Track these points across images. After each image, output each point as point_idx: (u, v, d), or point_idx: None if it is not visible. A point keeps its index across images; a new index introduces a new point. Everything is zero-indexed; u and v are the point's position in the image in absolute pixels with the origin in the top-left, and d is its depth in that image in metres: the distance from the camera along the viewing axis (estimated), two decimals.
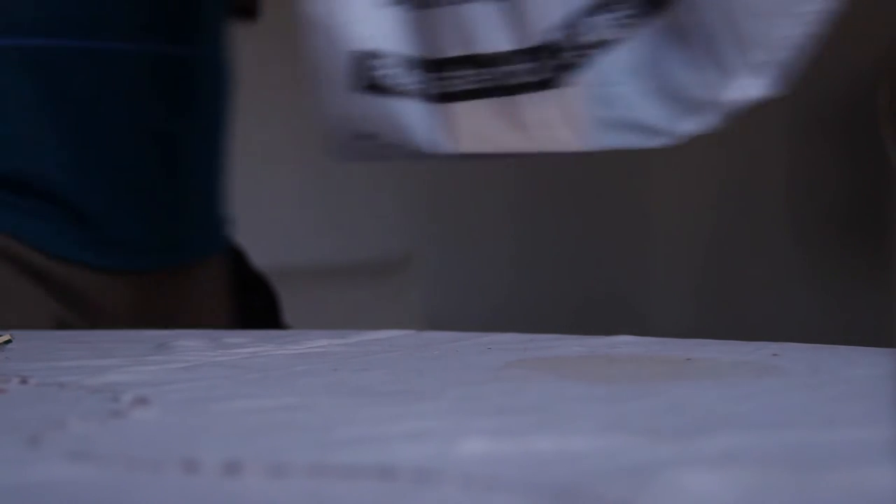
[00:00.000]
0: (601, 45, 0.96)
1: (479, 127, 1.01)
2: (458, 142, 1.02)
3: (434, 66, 1.01)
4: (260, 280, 2.37)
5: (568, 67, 0.96)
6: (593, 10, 0.96)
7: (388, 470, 0.48)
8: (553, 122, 0.99)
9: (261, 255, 2.45)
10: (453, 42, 1.00)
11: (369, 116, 1.03)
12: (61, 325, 1.19)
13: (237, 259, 2.33)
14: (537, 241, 3.16)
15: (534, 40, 0.98)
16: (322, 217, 2.93)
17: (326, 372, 0.75)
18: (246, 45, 2.77)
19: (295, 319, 2.37)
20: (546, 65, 0.97)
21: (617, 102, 0.96)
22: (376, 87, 1.02)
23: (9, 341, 0.84)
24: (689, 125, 0.94)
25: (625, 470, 0.49)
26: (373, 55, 1.02)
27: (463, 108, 1.01)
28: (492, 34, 0.99)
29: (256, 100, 2.81)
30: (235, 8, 1.58)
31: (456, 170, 3.12)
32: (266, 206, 2.82)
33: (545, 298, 2.99)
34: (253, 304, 2.32)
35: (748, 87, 0.92)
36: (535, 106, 0.99)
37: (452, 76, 1.01)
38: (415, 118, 1.02)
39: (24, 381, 0.69)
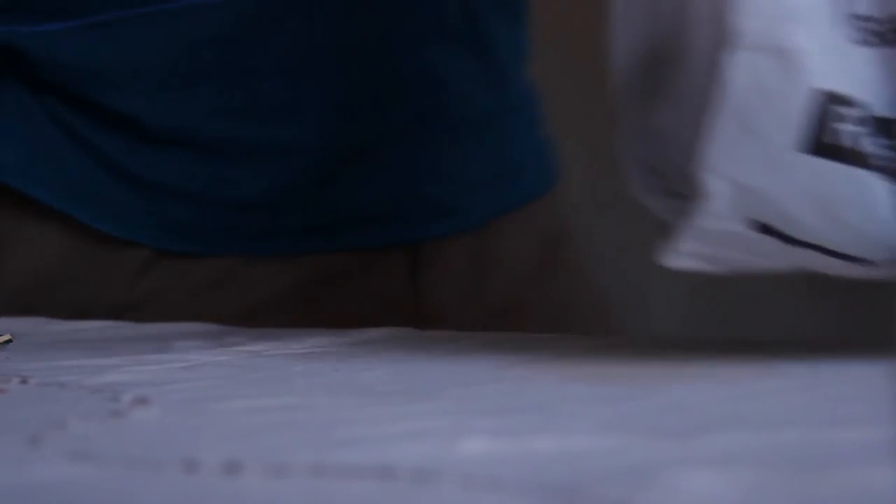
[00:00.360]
0: None
1: None
2: None
3: None
4: None
5: None
6: None
7: (388, 470, 0.48)
8: None
9: None
10: None
11: (803, 193, 0.69)
12: None
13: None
14: None
15: None
16: None
17: (326, 372, 0.75)
18: None
19: None
20: None
21: None
22: (829, 150, 0.69)
23: (9, 341, 0.84)
24: None
25: (625, 470, 0.49)
26: (840, 101, 0.69)
27: None
28: None
29: None
30: None
31: None
32: None
33: None
34: None
35: None
36: None
37: None
38: (879, 201, 0.69)
39: (24, 381, 0.69)
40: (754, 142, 0.69)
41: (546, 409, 0.63)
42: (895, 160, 0.69)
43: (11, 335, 0.85)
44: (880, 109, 0.70)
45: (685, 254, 0.72)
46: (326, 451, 0.52)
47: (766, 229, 0.70)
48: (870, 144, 0.69)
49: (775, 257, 0.71)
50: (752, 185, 0.69)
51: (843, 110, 0.69)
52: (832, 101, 0.69)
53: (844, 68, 0.69)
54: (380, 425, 0.58)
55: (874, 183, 0.69)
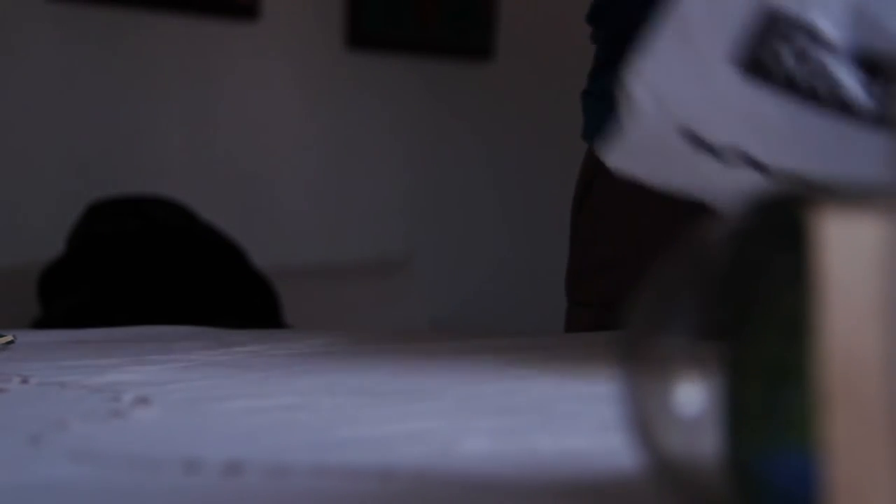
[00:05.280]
0: None
1: None
2: None
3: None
4: (260, 280, 2.37)
5: None
6: None
7: (388, 470, 0.48)
8: None
9: (261, 255, 2.45)
10: None
11: (729, 106, 0.68)
12: None
13: (237, 259, 2.32)
14: (538, 241, 3.16)
15: None
16: (322, 217, 2.93)
17: (326, 372, 0.75)
18: (247, 46, 2.77)
19: (295, 319, 2.37)
20: None
21: None
22: (763, 68, 0.66)
23: (11, 342, 0.84)
24: None
25: (625, 470, 0.49)
26: (790, 23, 0.66)
27: None
28: None
29: (255, 100, 2.81)
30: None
31: (456, 170, 3.12)
32: (266, 205, 2.82)
33: (545, 298, 3.00)
34: (253, 304, 2.33)
35: None
36: None
37: None
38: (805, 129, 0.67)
39: (24, 381, 0.69)
40: (689, 51, 0.68)
41: (546, 409, 0.63)
42: (830, 85, 0.66)
43: (14, 335, 0.85)
44: (833, 37, 0.66)
45: (622, 158, 0.72)
46: (327, 452, 0.52)
47: (695, 140, 0.70)
48: (808, 71, 0.66)
49: (697, 170, 0.71)
50: (681, 94, 0.69)
51: (790, 32, 0.66)
52: (779, 22, 0.67)
53: None
54: (380, 425, 0.58)
55: (803, 111, 0.66)
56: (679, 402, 0.41)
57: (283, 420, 0.60)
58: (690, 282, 0.41)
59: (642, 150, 0.72)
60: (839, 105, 0.66)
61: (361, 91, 2.96)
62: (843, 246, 0.35)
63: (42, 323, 2.14)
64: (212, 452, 0.51)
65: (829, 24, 0.66)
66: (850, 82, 0.66)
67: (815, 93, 0.66)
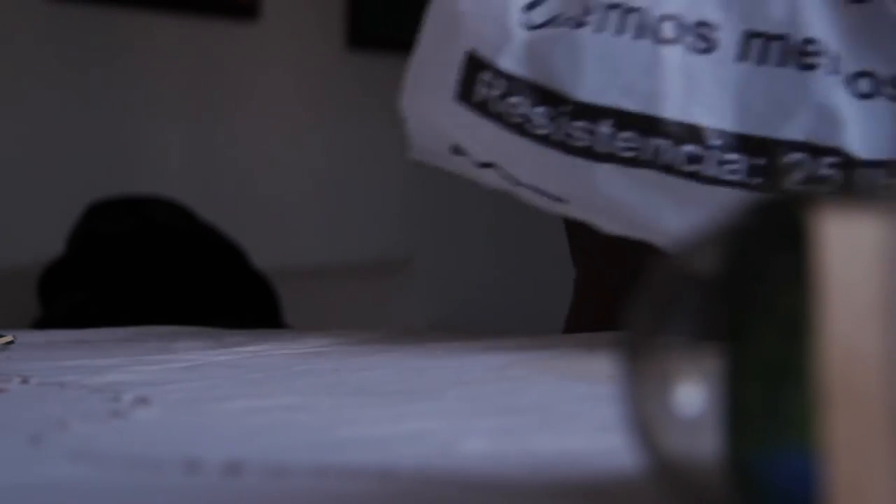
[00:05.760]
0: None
1: None
2: None
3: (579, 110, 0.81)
4: (260, 280, 2.37)
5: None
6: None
7: (388, 470, 0.48)
8: None
9: (261, 255, 2.45)
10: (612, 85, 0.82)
11: (466, 133, 0.85)
12: None
13: (237, 259, 2.33)
14: (538, 241, 3.16)
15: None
16: (322, 217, 2.93)
17: (326, 372, 0.75)
18: (247, 46, 2.78)
19: (295, 319, 2.37)
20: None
21: None
22: (475, 104, 0.83)
23: (11, 342, 0.84)
24: None
25: (625, 470, 0.49)
26: (482, 65, 0.83)
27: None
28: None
29: (255, 100, 2.81)
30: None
31: None
32: (266, 206, 2.82)
33: (545, 298, 3.00)
34: (253, 304, 2.33)
35: None
36: None
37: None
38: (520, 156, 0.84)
39: (25, 381, 0.69)
40: (428, 90, 0.84)
41: (546, 409, 0.63)
42: (529, 119, 0.81)
43: (14, 336, 0.85)
44: (523, 74, 0.81)
45: (422, 155, 0.87)
46: (327, 452, 0.52)
47: (459, 151, 0.85)
48: (507, 105, 0.82)
49: (473, 173, 0.86)
50: (432, 121, 0.84)
51: (484, 74, 0.82)
52: (477, 64, 0.82)
53: (500, 34, 0.81)
54: (380, 425, 0.58)
55: (510, 138, 0.82)
56: (679, 402, 0.41)
57: (283, 420, 0.60)
58: (690, 282, 0.41)
59: (430, 154, 0.87)
60: (530, 134, 0.81)
61: (361, 91, 2.96)
62: (843, 246, 0.35)
63: (42, 323, 2.14)
64: (212, 452, 0.51)
65: (514, 64, 0.81)
66: (535, 114, 0.81)
67: (515, 124, 0.81)
